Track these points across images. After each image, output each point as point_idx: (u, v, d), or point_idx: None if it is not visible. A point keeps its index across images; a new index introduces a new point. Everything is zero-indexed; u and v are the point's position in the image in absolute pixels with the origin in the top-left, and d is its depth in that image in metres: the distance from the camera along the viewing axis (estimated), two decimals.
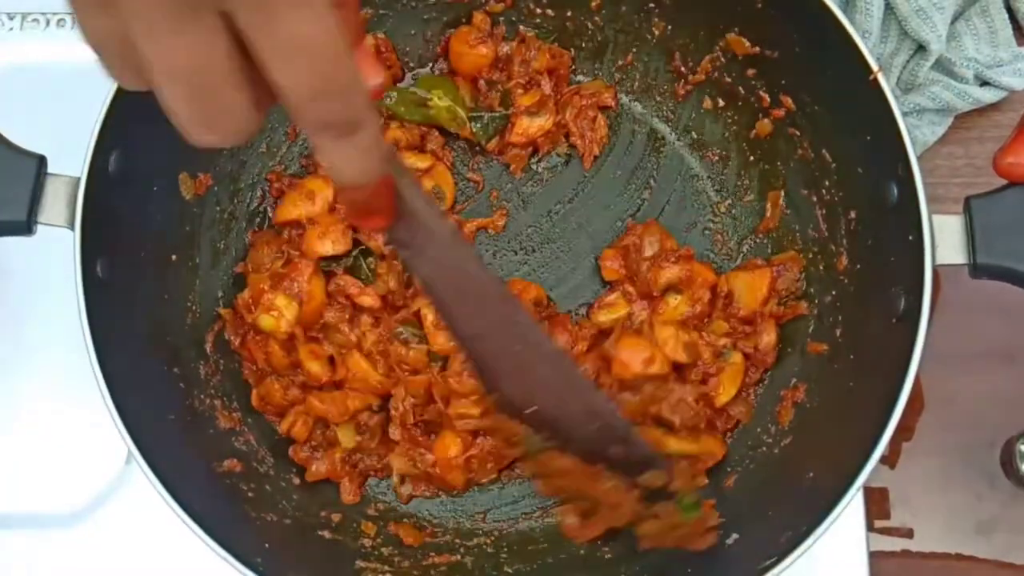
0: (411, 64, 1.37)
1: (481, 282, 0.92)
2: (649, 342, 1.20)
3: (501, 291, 0.96)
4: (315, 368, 1.22)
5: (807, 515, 1.03)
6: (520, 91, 1.31)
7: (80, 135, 1.08)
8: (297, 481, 1.25)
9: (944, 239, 1.04)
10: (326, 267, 1.25)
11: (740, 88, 1.29)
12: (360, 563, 1.18)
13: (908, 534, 1.29)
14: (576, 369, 1.12)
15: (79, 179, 1.07)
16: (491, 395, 1.05)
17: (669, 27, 1.32)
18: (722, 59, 1.29)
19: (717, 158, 1.33)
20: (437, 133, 1.33)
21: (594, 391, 1.09)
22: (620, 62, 1.36)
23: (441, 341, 1.21)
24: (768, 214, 1.29)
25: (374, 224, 0.79)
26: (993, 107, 1.39)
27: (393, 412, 1.23)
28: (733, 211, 1.32)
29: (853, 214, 1.18)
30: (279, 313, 1.20)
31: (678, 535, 1.12)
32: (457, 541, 1.24)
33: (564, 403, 1.03)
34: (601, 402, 1.07)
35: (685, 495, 1.12)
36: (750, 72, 1.27)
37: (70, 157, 1.08)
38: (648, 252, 1.26)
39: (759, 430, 1.24)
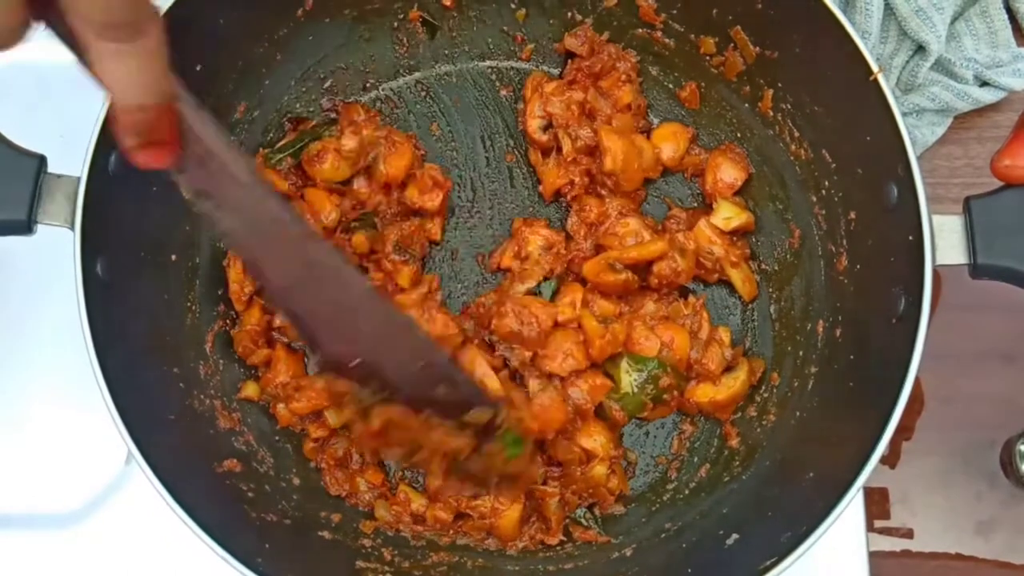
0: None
1: (285, 225, 0.88)
2: None
3: (307, 232, 0.91)
4: None
5: (807, 515, 1.03)
6: None
7: (80, 135, 1.08)
8: (297, 481, 1.25)
9: (944, 239, 1.04)
10: None
11: None
12: (360, 563, 1.18)
13: (908, 534, 1.29)
14: (392, 307, 1.07)
15: (79, 178, 1.07)
16: (315, 354, 1.05)
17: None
18: None
19: None
20: None
21: (413, 329, 1.05)
22: None
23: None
24: None
25: (158, 160, 0.73)
26: (992, 107, 1.40)
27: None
28: None
29: (853, 214, 1.18)
30: None
31: (506, 471, 1.11)
32: (458, 540, 1.24)
33: (386, 347, 1.00)
34: (421, 340, 1.05)
35: (509, 432, 1.10)
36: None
37: (70, 157, 1.07)
38: None
39: (759, 430, 1.25)
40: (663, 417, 1.28)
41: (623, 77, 1.32)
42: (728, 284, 1.31)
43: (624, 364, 1.21)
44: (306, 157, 1.28)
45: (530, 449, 1.12)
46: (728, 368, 1.25)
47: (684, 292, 1.30)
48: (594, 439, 1.22)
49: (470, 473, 1.11)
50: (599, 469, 1.21)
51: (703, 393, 1.24)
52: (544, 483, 1.21)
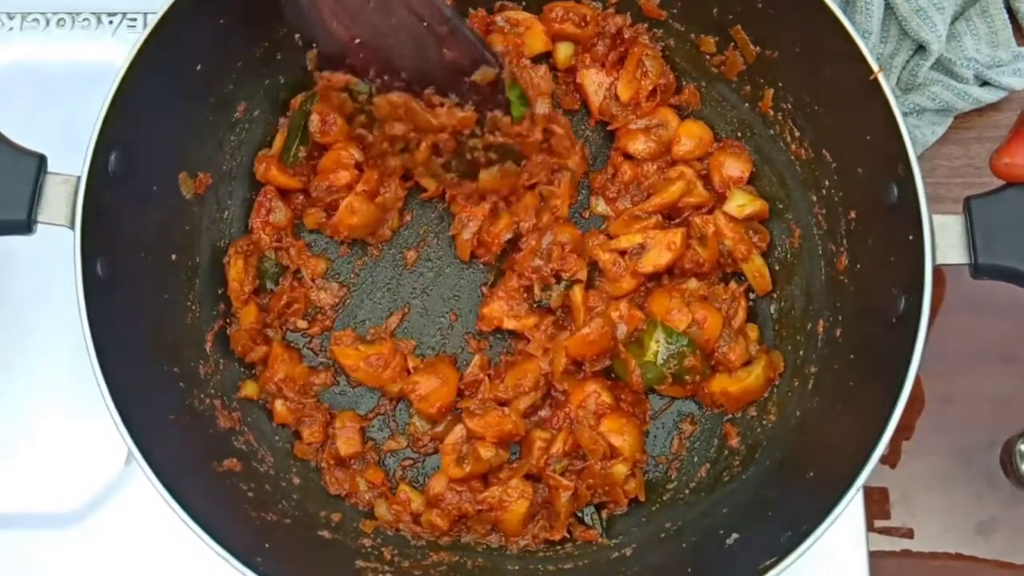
0: None
1: None
2: None
3: None
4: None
5: (807, 515, 1.03)
6: None
7: (80, 134, 1.08)
8: (297, 481, 1.25)
9: (944, 239, 1.04)
10: None
11: None
12: (360, 563, 1.18)
13: (908, 534, 1.29)
14: None
15: (79, 178, 1.07)
16: (313, 51, 1.10)
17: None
18: None
19: None
20: None
21: None
22: None
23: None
24: None
25: None
26: (993, 107, 1.39)
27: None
28: None
29: (853, 214, 1.18)
30: None
31: (505, 146, 1.20)
32: (461, 538, 1.24)
33: (388, 16, 1.05)
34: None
35: (516, 86, 1.16)
36: None
37: (70, 156, 1.08)
38: None
39: (759, 429, 1.25)
40: (676, 397, 1.28)
41: (645, 54, 1.32)
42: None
43: (657, 334, 1.21)
44: (315, 134, 1.28)
45: (531, 113, 1.20)
46: (746, 362, 1.25)
47: (727, 277, 1.30)
48: (623, 437, 1.22)
49: (464, 166, 1.20)
50: (620, 468, 1.21)
51: (717, 383, 1.24)
52: (562, 475, 1.21)
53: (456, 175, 1.24)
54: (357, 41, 1.10)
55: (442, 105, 1.15)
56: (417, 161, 1.22)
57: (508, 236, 1.27)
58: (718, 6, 1.26)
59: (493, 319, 1.27)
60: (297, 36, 1.15)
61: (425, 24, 1.09)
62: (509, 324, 1.26)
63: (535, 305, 1.26)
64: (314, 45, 1.14)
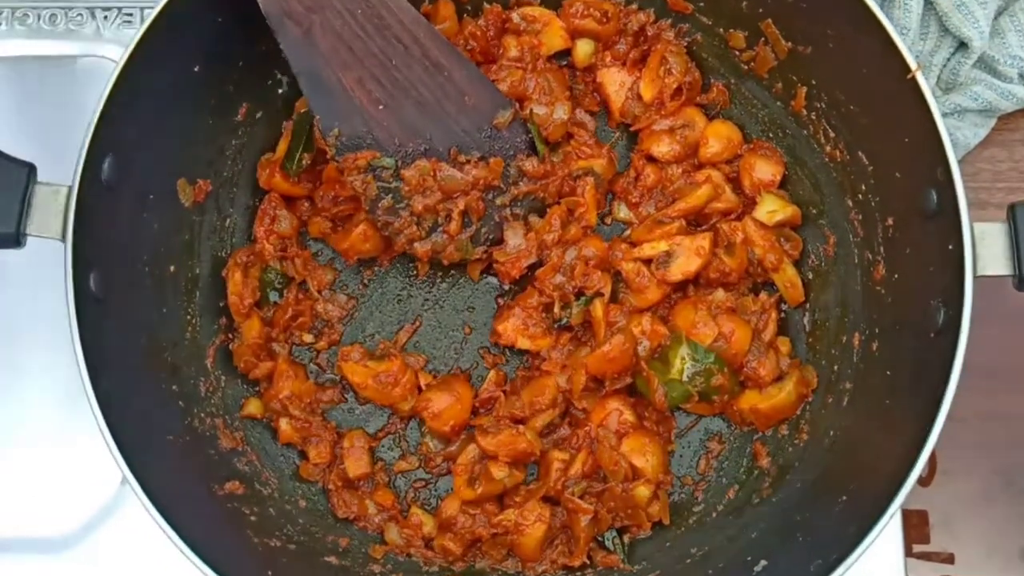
0: None
1: None
2: None
3: None
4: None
5: (839, 542, 1.01)
6: None
7: (73, 135, 1.05)
8: (303, 504, 1.23)
9: (987, 248, 1.02)
10: None
11: None
12: None
13: (948, 559, 1.27)
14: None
15: (70, 188, 1.04)
16: (329, 137, 1.16)
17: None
18: None
19: None
20: None
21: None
22: None
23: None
24: None
25: None
26: None
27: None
28: None
29: (891, 220, 1.15)
30: None
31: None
32: (472, 566, 1.22)
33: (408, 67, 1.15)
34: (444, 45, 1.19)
35: (534, 126, 1.26)
36: None
37: (61, 158, 1.05)
38: None
39: (791, 448, 1.22)
40: (703, 415, 1.26)
41: (669, 51, 1.29)
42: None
43: (681, 350, 1.18)
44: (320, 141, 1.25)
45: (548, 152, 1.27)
46: (777, 378, 1.22)
47: (757, 288, 1.27)
48: (646, 458, 1.19)
49: (492, 231, 1.25)
50: (642, 490, 1.19)
51: (746, 400, 1.22)
52: (581, 497, 1.18)
53: (484, 246, 1.26)
54: (382, 107, 1.17)
55: (468, 162, 1.21)
56: (451, 233, 1.23)
57: (529, 262, 1.25)
58: None
59: (507, 337, 1.24)
60: (317, 119, 1.17)
61: (445, 74, 1.19)
62: (523, 344, 1.24)
63: (554, 325, 1.23)
64: (335, 127, 1.17)
